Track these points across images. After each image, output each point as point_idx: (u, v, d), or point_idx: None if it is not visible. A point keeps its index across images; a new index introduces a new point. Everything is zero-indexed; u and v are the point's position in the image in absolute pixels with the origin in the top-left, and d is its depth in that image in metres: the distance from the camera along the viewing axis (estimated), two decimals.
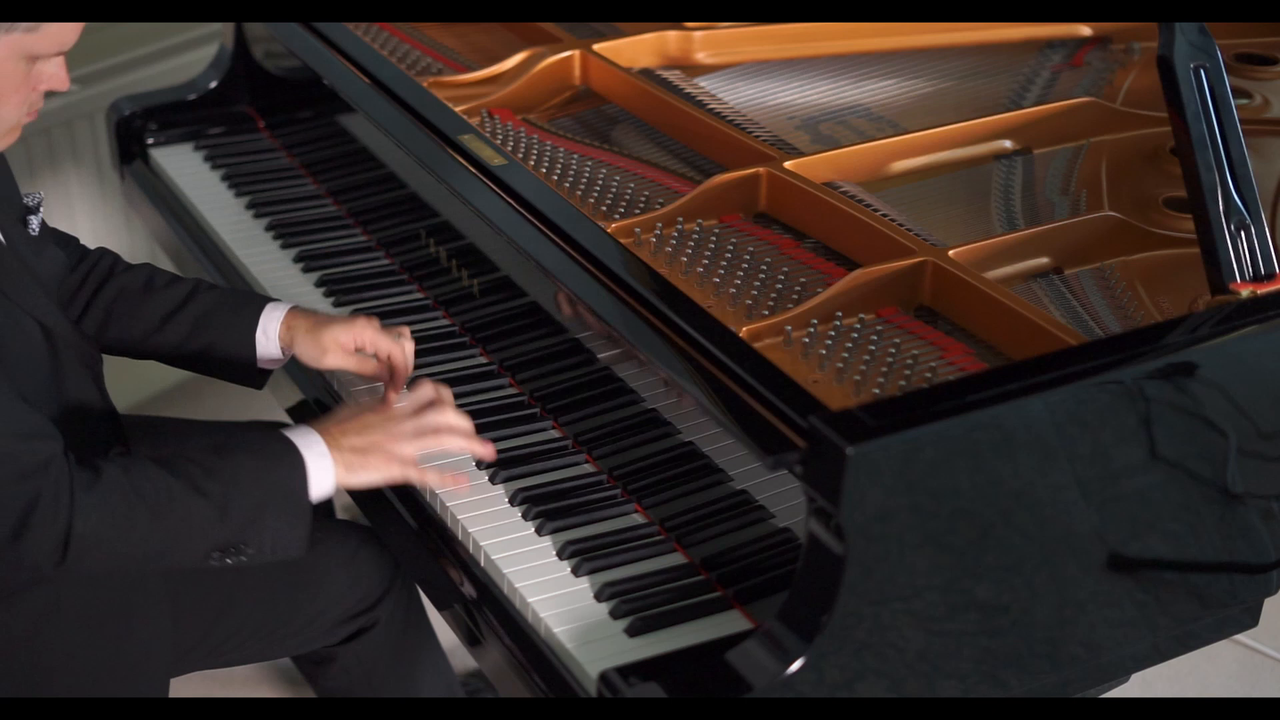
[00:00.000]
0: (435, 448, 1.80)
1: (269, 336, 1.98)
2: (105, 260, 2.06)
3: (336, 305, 2.25)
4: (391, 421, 1.79)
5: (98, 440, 1.93)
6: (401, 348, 1.94)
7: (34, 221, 1.90)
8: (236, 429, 2.28)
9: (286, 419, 2.28)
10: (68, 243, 2.07)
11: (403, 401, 1.83)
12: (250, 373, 2.02)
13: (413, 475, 1.79)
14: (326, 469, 1.73)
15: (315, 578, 2.02)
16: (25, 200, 1.92)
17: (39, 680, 1.83)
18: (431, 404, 1.82)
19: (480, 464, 1.92)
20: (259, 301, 2.01)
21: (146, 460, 1.69)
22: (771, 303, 1.82)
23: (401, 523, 1.93)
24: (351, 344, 1.95)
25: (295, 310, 2.00)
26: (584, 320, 1.94)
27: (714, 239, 1.94)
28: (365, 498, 2.06)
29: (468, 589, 1.81)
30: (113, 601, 1.86)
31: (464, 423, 1.83)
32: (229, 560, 1.70)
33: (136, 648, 1.88)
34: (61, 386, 1.86)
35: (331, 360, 1.95)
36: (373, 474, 1.77)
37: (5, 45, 1.65)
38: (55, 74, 1.73)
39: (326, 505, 2.39)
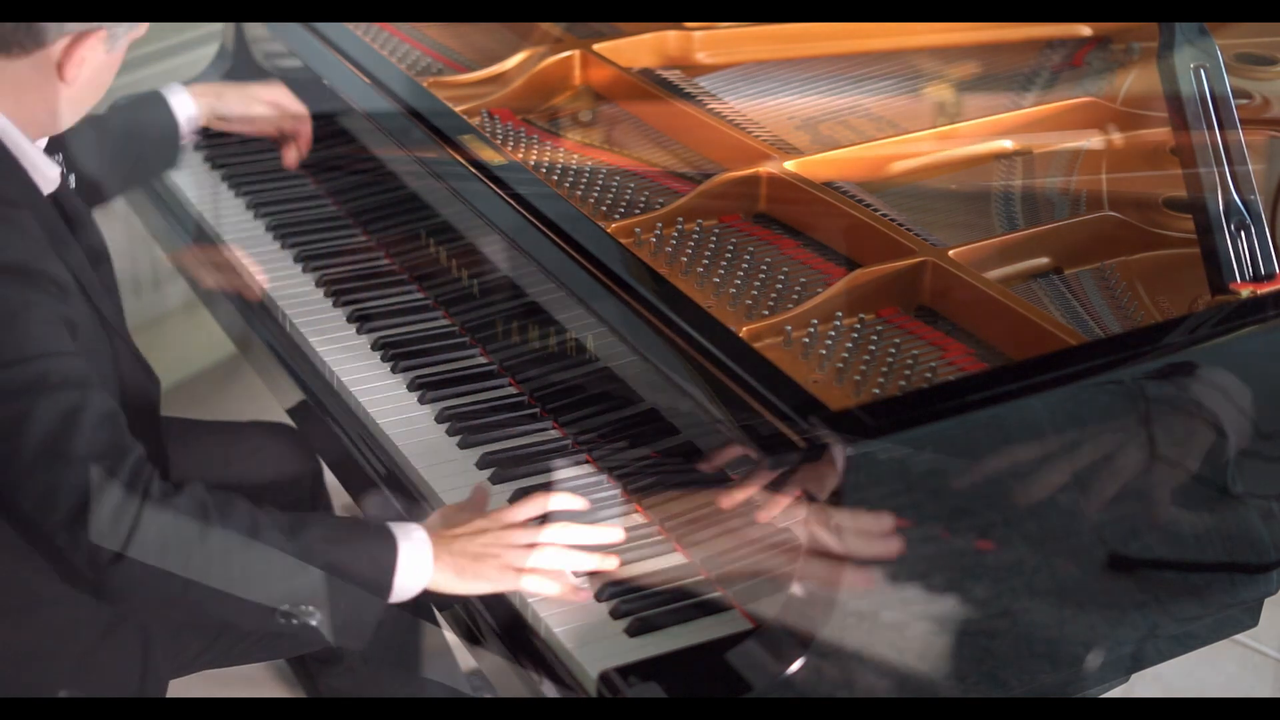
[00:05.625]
0: (555, 568, 1.70)
1: (185, 111, 2.25)
2: None
3: (336, 305, 2.25)
4: (508, 531, 1.69)
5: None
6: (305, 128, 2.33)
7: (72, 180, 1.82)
8: (241, 429, 2.27)
9: (287, 419, 2.28)
10: None
11: (511, 510, 1.73)
12: (174, 139, 2.24)
13: (527, 587, 1.69)
14: (423, 562, 1.64)
15: None
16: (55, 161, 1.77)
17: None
18: (545, 518, 1.72)
19: (479, 463, 1.92)
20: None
21: (234, 494, 1.60)
22: (771, 303, 1.82)
23: None
24: (271, 100, 2.30)
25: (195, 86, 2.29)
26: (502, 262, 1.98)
27: (714, 239, 1.94)
28: (365, 497, 2.06)
29: None
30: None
31: (584, 536, 1.71)
32: (294, 620, 1.59)
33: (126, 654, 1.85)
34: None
35: (255, 109, 2.30)
36: (485, 584, 1.67)
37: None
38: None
39: (327, 507, 2.39)
